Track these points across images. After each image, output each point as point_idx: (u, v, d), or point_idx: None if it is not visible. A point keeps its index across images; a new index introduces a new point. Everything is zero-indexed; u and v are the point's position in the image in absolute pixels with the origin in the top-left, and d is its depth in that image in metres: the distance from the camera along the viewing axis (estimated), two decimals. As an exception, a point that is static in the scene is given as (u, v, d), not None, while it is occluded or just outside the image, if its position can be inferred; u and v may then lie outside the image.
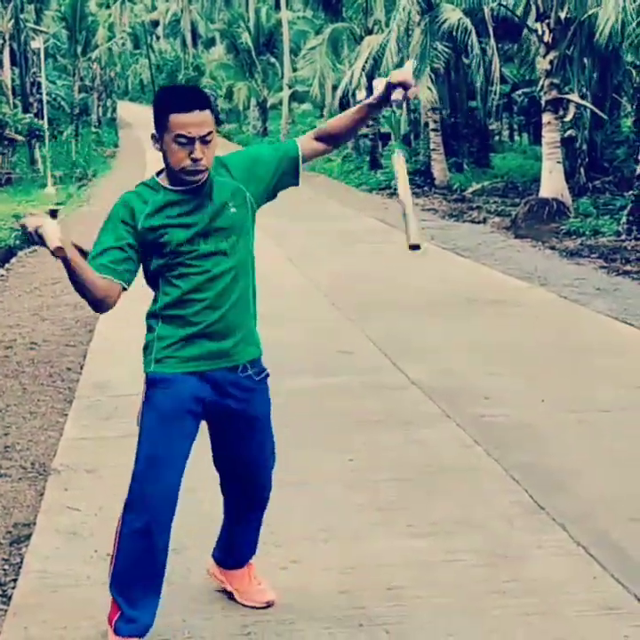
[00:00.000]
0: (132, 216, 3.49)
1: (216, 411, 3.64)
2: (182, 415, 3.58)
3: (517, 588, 4.09)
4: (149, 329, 3.69)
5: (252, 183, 3.59)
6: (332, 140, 3.68)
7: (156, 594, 3.67)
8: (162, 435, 3.63)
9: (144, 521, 3.56)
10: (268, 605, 3.94)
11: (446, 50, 23.29)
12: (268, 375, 3.73)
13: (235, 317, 3.58)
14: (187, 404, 3.58)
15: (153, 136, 3.48)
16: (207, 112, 3.40)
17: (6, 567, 4.43)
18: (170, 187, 3.52)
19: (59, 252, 3.18)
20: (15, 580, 4.28)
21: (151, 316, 3.69)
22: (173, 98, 3.43)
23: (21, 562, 4.46)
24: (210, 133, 3.40)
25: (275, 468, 3.87)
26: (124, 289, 3.58)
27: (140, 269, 3.65)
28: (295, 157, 3.63)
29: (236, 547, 4.00)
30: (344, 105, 36.51)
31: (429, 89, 23.19)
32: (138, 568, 3.60)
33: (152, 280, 3.66)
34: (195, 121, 3.36)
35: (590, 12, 18.80)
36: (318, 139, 3.67)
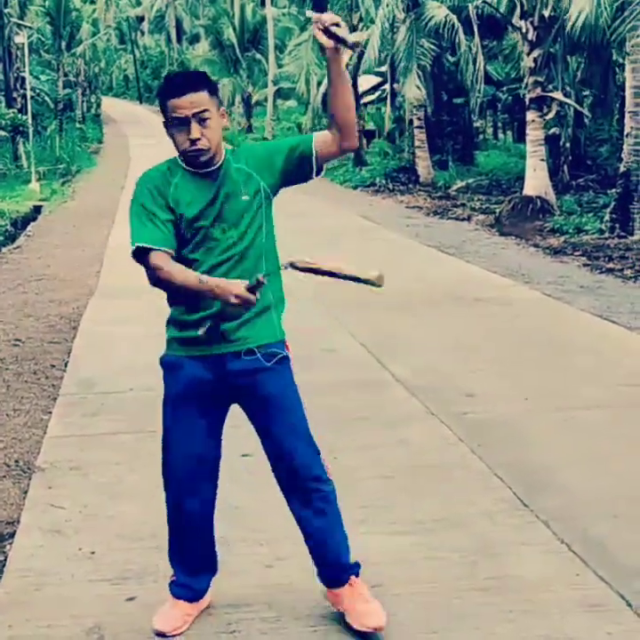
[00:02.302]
0: (161, 190, 3.57)
1: (230, 393, 3.70)
2: (191, 397, 3.66)
3: (500, 586, 4.11)
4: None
5: (266, 173, 3.61)
6: (334, 121, 3.59)
7: (207, 564, 3.88)
8: (174, 417, 3.74)
9: (176, 499, 3.75)
10: (377, 630, 3.70)
11: (433, 47, 23.30)
12: (283, 358, 3.71)
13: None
14: (194, 387, 3.65)
15: (164, 124, 3.57)
16: (202, 93, 3.47)
17: (-10, 565, 4.42)
18: (186, 167, 3.59)
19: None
20: (-1, 578, 4.28)
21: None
22: (168, 84, 3.52)
23: (5, 560, 4.46)
24: (205, 111, 3.45)
25: (321, 460, 3.81)
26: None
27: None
28: (308, 149, 3.59)
29: (319, 555, 3.84)
30: (326, 101, 36.58)
31: (418, 87, 23.18)
32: (183, 539, 3.78)
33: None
34: (186, 103, 3.43)
35: (573, 10, 18.84)
36: (329, 127, 3.63)
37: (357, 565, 3.86)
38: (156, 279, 3.53)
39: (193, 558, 3.84)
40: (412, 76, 23.04)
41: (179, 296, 3.60)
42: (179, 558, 3.84)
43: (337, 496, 3.84)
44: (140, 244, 3.50)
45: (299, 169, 3.64)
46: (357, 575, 3.83)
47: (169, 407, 3.75)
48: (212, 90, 3.52)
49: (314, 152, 3.59)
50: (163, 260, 3.50)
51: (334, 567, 3.82)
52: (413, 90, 23.30)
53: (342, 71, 3.60)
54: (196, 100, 3.44)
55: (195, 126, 3.45)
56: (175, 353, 3.73)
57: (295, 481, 3.74)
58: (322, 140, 3.60)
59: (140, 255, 3.52)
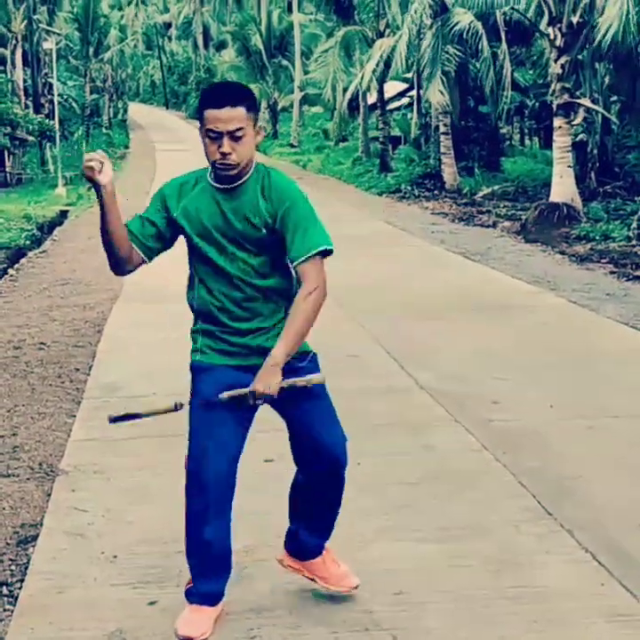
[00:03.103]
0: (166, 200, 3.69)
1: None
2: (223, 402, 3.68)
3: (525, 595, 4.07)
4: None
5: (276, 217, 3.59)
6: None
7: (222, 569, 3.83)
8: (206, 418, 3.74)
9: (200, 504, 3.70)
10: (354, 588, 4.03)
11: (457, 53, 23.27)
12: (312, 358, 3.78)
13: (257, 321, 3.69)
14: (226, 389, 3.65)
15: (200, 129, 3.60)
16: (239, 108, 3.47)
17: (13, 568, 4.43)
18: (211, 181, 3.65)
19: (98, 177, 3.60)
20: (22, 581, 4.28)
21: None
22: (209, 94, 3.55)
23: (28, 562, 4.46)
24: (239, 129, 3.47)
25: (346, 456, 3.91)
26: (144, 262, 3.75)
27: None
28: (292, 258, 3.60)
29: (312, 536, 4.00)
30: (353, 107, 36.57)
31: (441, 92, 23.16)
32: (201, 546, 3.75)
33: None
34: (223, 116, 3.45)
35: (601, 16, 18.77)
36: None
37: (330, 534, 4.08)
38: None
39: (214, 558, 3.79)
40: (436, 82, 23.02)
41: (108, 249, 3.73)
42: (199, 561, 3.79)
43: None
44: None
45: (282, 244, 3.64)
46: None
47: (200, 409, 3.74)
48: (251, 106, 3.52)
49: (292, 262, 3.61)
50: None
51: (319, 544, 4.04)
52: (437, 95, 23.28)
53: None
54: (232, 116, 3.46)
55: (227, 141, 3.48)
56: (209, 360, 3.75)
57: (327, 463, 3.85)
58: (300, 272, 3.60)
59: None
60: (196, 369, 3.80)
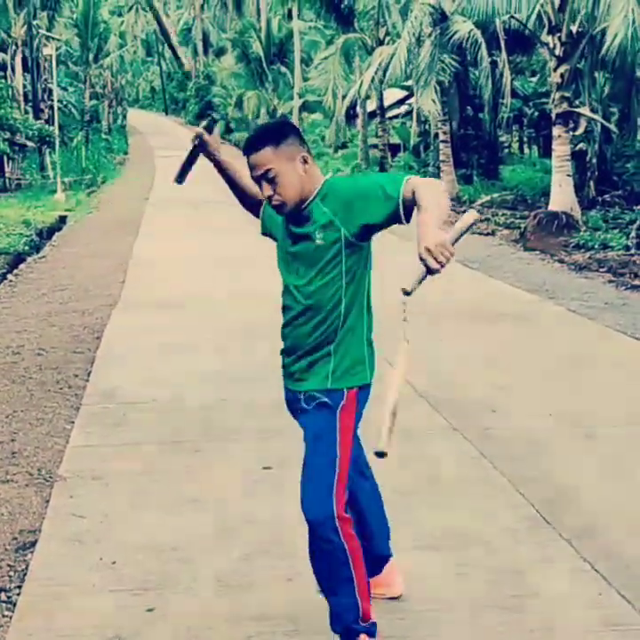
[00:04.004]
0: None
1: None
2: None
3: (522, 604, 4.08)
4: None
5: (348, 218, 3.49)
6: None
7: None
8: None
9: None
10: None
11: (453, 62, 23.31)
12: (320, 404, 3.70)
13: (302, 350, 3.69)
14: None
15: None
16: (264, 151, 3.44)
17: (11, 574, 4.43)
18: None
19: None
20: (20, 587, 4.28)
21: None
22: (246, 139, 3.60)
23: (26, 568, 4.47)
24: (268, 171, 3.44)
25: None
26: None
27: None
28: (396, 199, 3.42)
29: (374, 541, 3.98)
30: (352, 114, 36.64)
31: (434, 101, 23.17)
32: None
33: None
34: (252, 162, 3.48)
35: (602, 26, 18.82)
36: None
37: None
38: None
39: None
40: (430, 90, 23.04)
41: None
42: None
43: None
44: None
45: (384, 220, 3.54)
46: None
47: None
48: (280, 141, 3.44)
49: (400, 202, 3.42)
50: None
51: (384, 554, 4.07)
52: (429, 103, 23.30)
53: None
54: (258, 161, 3.45)
55: (265, 185, 3.48)
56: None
57: (369, 480, 4.20)
58: (411, 186, 3.38)
59: None
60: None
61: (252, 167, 3.49)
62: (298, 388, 3.68)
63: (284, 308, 3.66)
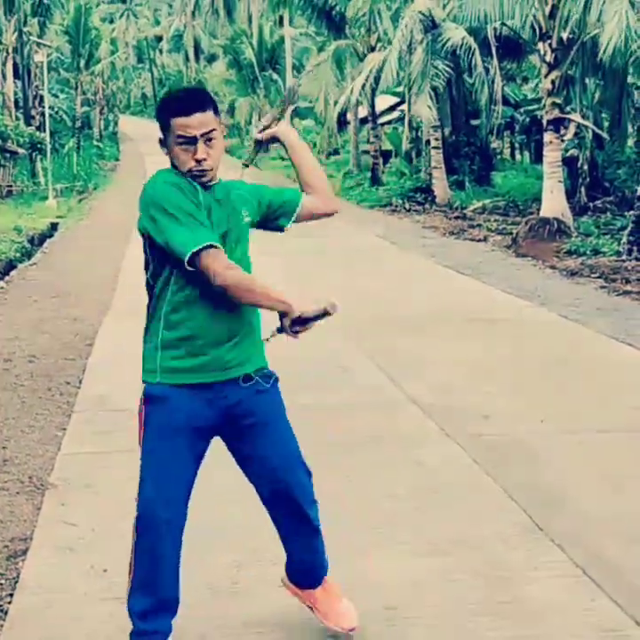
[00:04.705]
0: (192, 192, 3.46)
1: (220, 422, 3.57)
2: (179, 429, 3.54)
3: (513, 610, 4.07)
4: None
5: (250, 209, 3.65)
6: (312, 189, 3.84)
7: (172, 610, 3.64)
8: (159, 449, 3.59)
9: (152, 540, 3.55)
10: (352, 631, 3.83)
11: (447, 69, 23.36)
12: (277, 379, 3.68)
13: (233, 327, 3.52)
14: (183, 420, 3.52)
15: (160, 140, 3.51)
16: (209, 112, 3.42)
17: (2, 582, 4.41)
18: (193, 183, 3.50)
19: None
20: (11, 595, 4.27)
21: None
22: (174, 102, 3.46)
23: (18, 576, 4.45)
24: (212, 131, 3.42)
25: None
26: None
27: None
28: (295, 203, 3.78)
29: (300, 566, 3.88)
30: (342, 122, 36.67)
31: (429, 107, 23.22)
32: (151, 584, 3.57)
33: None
34: (194, 122, 3.39)
35: (592, 33, 18.90)
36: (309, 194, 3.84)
37: (327, 564, 3.90)
38: (231, 281, 3.36)
39: (164, 590, 3.61)
40: (424, 96, 23.08)
41: (243, 302, 3.46)
42: (148, 591, 3.58)
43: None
44: (202, 245, 3.32)
45: (275, 218, 3.77)
46: (326, 573, 3.90)
47: (154, 440, 3.60)
48: (216, 108, 3.48)
49: (299, 207, 3.77)
50: (226, 260, 3.39)
51: (313, 573, 3.88)
52: (424, 110, 23.35)
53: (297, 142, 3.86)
54: (203, 120, 3.40)
55: (201, 146, 3.40)
56: (164, 382, 3.55)
57: (290, 505, 3.70)
58: (310, 200, 3.80)
59: (193, 259, 3.33)
60: None
61: (190, 126, 3.37)
62: (239, 373, 3.53)
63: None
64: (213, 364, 3.50)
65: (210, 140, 3.42)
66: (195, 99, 3.46)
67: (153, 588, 3.57)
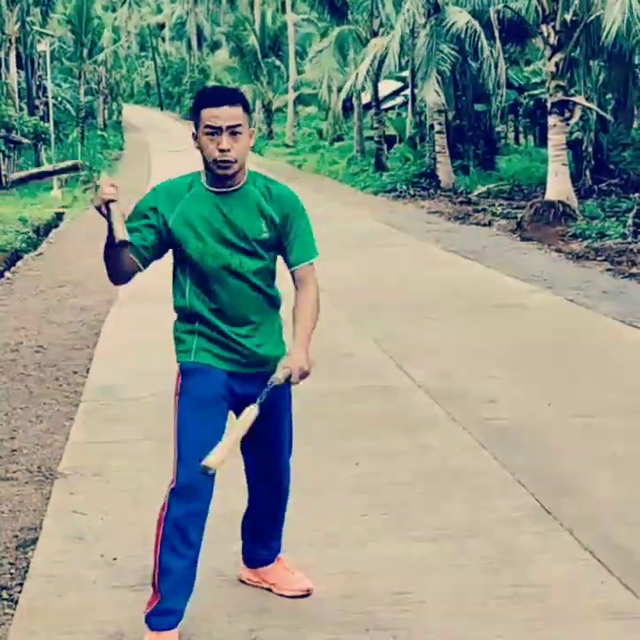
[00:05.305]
0: (159, 208, 3.67)
1: (242, 401, 3.70)
2: (216, 400, 3.74)
3: (523, 594, 4.08)
4: None
5: (284, 220, 3.71)
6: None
7: (191, 585, 3.74)
8: (193, 415, 3.75)
9: (193, 507, 3.65)
10: (308, 593, 4.06)
11: (453, 52, 23.26)
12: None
13: (250, 328, 3.74)
14: (219, 390, 3.73)
15: (193, 135, 3.66)
16: (238, 108, 3.57)
17: (13, 571, 4.43)
18: (207, 185, 3.68)
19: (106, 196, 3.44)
20: (21, 585, 4.28)
21: None
22: (206, 95, 3.66)
23: (28, 566, 4.46)
24: (238, 125, 3.55)
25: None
26: (140, 270, 3.74)
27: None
28: (294, 259, 3.78)
29: (262, 539, 4.10)
30: (347, 106, 36.58)
31: (437, 92, 23.14)
32: (180, 555, 3.65)
33: None
34: (222, 114, 3.53)
35: (596, 14, 18.80)
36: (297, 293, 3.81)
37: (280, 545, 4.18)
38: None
39: (189, 568, 3.70)
40: (431, 81, 22.99)
41: (112, 266, 3.69)
42: (175, 571, 3.66)
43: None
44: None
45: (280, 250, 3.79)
46: (280, 551, 4.17)
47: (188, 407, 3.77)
48: (246, 107, 3.62)
49: (293, 265, 3.79)
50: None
51: (268, 553, 4.12)
52: (432, 94, 23.25)
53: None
54: (231, 114, 3.55)
55: (226, 137, 3.54)
56: (202, 360, 3.76)
57: (269, 485, 4.02)
58: (301, 275, 3.80)
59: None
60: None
61: (218, 117, 3.53)
62: (255, 370, 3.77)
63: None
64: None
65: (235, 133, 3.55)
66: (225, 93, 3.65)
67: (181, 563, 3.66)
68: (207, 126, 3.54)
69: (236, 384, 3.73)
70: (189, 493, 3.63)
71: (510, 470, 5.55)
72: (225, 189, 3.65)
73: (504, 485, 5.35)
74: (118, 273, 3.70)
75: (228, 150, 3.54)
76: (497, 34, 21.62)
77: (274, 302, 3.83)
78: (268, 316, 3.80)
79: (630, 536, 4.65)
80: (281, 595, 4.06)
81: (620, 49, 19.29)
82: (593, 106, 21.24)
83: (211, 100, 3.57)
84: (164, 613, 3.67)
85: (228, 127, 3.53)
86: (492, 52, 22.31)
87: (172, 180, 3.77)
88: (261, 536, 4.10)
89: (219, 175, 3.61)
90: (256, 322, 3.74)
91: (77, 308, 10.88)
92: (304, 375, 3.58)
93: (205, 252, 3.64)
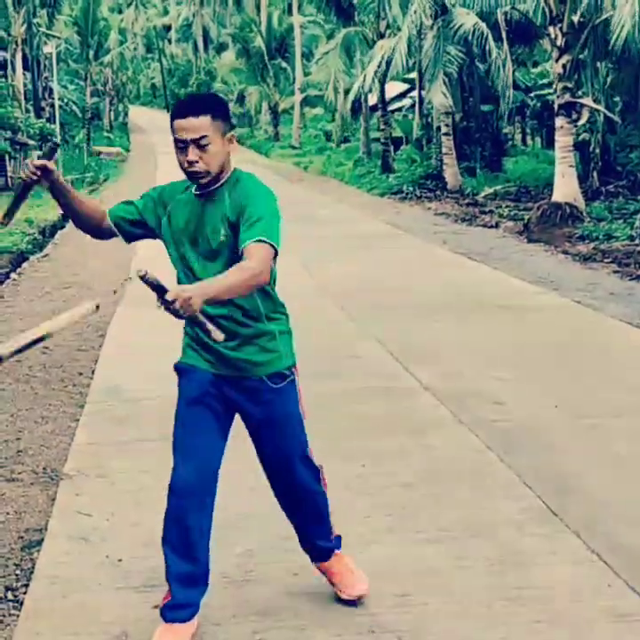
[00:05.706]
0: (156, 201, 3.77)
1: (236, 409, 3.78)
2: (203, 399, 3.74)
3: (528, 596, 4.06)
4: None
5: (238, 214, 3.55)
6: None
7: (202, 581, 3.76)
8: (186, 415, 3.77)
9: (186, 503, 3.66)
10: (359, 599, 4.02)
11: (460, 54, 23.25)
12: (292, 381, 3.81)
13: (235, 329, 3.66)
14: (206, 388, 3.73)
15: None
16: (203, 118, 3.50)
17: (18, 572, 4.42)
18: (194, 190, 3.70)
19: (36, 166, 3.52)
20: (27, 586, 4.28)
21: None
22: (176, 105, 3.62)
23: (33, 567, 4.46)
24: (203, 137, 3.50)
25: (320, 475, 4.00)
26: (114, 235, 3.85)
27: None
28: (241, 238, 3.47)
29: (305, 539, 4.07)
30: (354, 108, 36.61)
31: (444, 94, 23.14)
32: (180, 552, 3.68)
33: None
34: (186, 126, 3.50)
35: (604, 16, 18.79)
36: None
37: (339, 539, 4.10)
38: None
39: (194, 565, 3.72)
40: (438, 83, 23.00)
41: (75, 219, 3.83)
42: (178, 567, 3.69)
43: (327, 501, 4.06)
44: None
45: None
46: (339, 548, 4.09)
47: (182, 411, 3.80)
48: (217, 114, 3.54)
49: (241, 243, 3.45)
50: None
51: (318, 551, 4.06)
52: (439, 96, 23.26)
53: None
54: (195, 125, 3.49)
55: (192, 150, 3.51)
56: (188, 361, 3.83)
57: (286, 492, 3.97)
58: (246, 252, 3.39)
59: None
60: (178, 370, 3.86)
61: (183, 129, 3.50)
62: (245, 375, 3.75)
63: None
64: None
65: (202, 145, 3.51)
66: (193, 104, 3.58)
67: (183, 559, 3.69)
68: (175, 139, 3.55)
69: (225, 386, 3.73)
70: (181, 491, 3.66)
71: (516, 472, 5.53)
72: (204, 192, 3.64)
73: (510, 487, 5.34)
74: (82, 226, 3.84)
75: (196, 162, 3.52)
76: (504, 35, 21.61)
77: (255, 308, 3.66)
78: (248, 321, 3.67)
79: (637, 539, 4.62)
80: (338, 599, 4.04)
81: (630, 51, 19.25)
82: (600, 107, 21.22)
83: (177, 112, 3.55)
84: (172, 607, 3.71)
85: (193, 140, 3.50)
86: (499, 54, 22.29)
87: (175, 183, 3.80)
88: (305, 536, 4.06)
89: (194, 183, 3.64)
90: (230, 326, 3.62)
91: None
92: (183, 303, 3.04)
93: (179, 256, 3.69)
